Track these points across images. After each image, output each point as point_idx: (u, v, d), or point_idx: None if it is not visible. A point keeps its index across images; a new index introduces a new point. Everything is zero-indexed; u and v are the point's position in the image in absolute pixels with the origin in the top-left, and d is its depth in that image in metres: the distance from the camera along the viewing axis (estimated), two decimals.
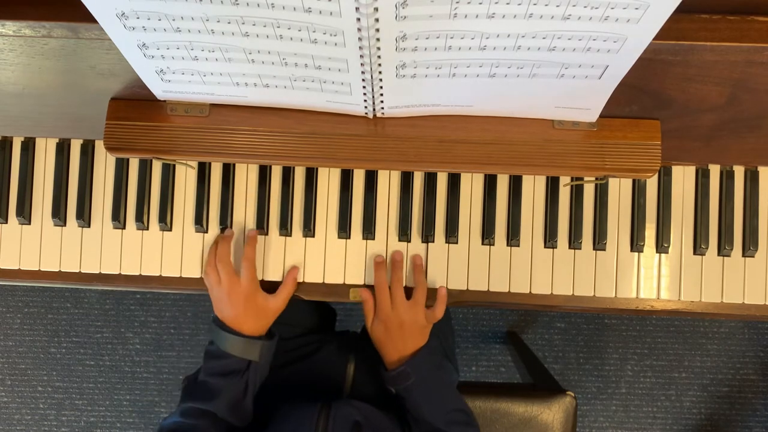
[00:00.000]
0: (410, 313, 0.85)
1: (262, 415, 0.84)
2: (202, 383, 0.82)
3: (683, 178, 0.90)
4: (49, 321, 1.71)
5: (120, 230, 0.91)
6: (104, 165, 0.91)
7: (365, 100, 0.77)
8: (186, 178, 0.91)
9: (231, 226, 0.90)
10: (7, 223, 0.92)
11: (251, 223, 0.90)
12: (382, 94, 0.75)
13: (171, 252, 0.91)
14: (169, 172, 0.91)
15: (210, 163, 0.90)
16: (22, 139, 0.92)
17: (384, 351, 0.86)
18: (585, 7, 0.60)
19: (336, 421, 0.78)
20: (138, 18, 0.65)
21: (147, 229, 0.91)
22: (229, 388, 0.80)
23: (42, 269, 0.92)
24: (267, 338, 0.85)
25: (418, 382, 0.83)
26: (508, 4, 0.60)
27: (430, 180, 0.90)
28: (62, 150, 0.91)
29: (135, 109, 0.83)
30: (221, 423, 0.80)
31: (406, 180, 0.90)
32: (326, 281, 0.90)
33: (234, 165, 0.90)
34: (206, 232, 0.90)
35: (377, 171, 0.90)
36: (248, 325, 0.83)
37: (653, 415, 1.68)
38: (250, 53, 0.70)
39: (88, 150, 0.91)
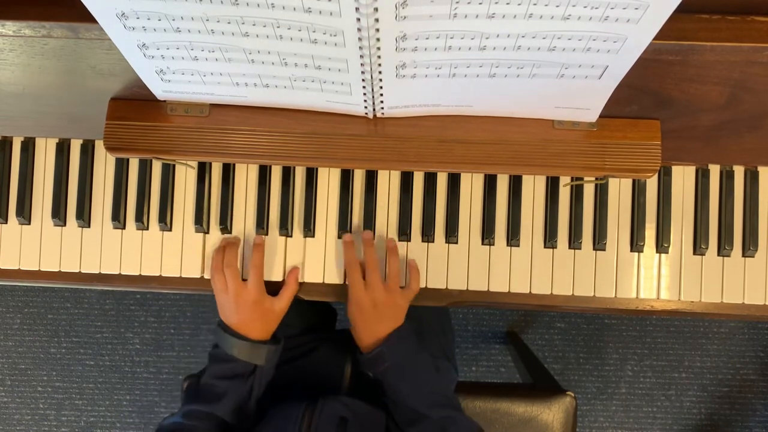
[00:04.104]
0: (384, 294, 0.83)
1: (257, 413, 0.84)
2: (206, 386, 0.81)
3: (683, 178, 0.90)
4: (49, 321, 1.71)
5: (120, 230, 0.91)
6: (104, 165, 0.91)
7: (365, 100, 0.77)
8: (186, 178, 0.91)
9: (231, 226, 0.90)
10: (7, 223, 0.92)
11: (251, 222, 0.90)
12: (382, 94, 0.75)
13: (171, 252, 0.91)
14: (169, 172, 0.91)
15: (210, 163, 0.90)
16: (22, 139, 0.92)
17: (358, 333, 0.85)
18: (585, 7, 0.60)
19: (321, 417, 0.77)
20: (138, 18, 0.65)
21: (147, 229, 0.91)
22: (233, 391, 0.80)
23: (42, 269, 0.92)
24: (273, 342, 0.84)
25: (394, 365, 0.81)
26: (508, 4, 0.60)
27: (430, 180, 0.90)
28: (62, 150, 0.91)
29: (135, 109, 0.83)
30: (222, 425, 0.80)
31: (406, 180, 0.90)
32: (326, 281, 0.90)
33: (234, 165, 0.90)
34: (206, 232, 0.90)
35: (377, 171, 0.90)
36: (254, 330, 0.83)
37: (653, 415, 1.68)
38: (250, 53, 0.70)
39: (88, 150, 0.91)
